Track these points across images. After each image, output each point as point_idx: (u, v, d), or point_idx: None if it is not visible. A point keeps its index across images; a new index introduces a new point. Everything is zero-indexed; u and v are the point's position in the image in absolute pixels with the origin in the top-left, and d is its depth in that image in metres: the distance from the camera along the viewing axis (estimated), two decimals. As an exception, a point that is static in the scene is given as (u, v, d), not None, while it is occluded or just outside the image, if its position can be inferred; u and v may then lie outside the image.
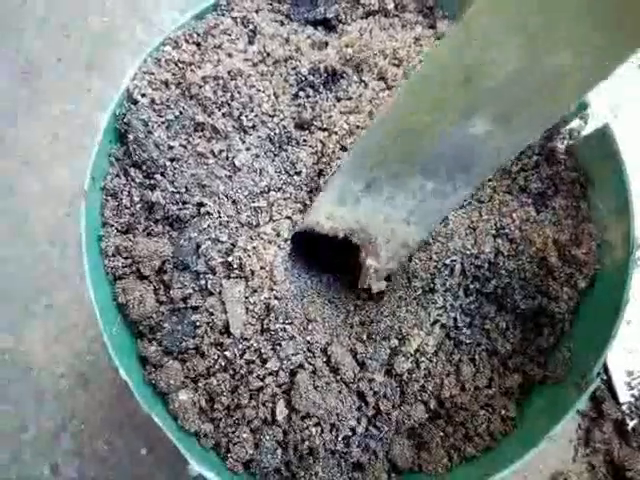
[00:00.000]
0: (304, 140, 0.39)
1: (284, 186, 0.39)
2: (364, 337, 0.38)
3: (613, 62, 0.24)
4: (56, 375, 0.61)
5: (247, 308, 0.36)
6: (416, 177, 0.33)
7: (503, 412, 0.38)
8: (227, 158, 0.38)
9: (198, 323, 0.36)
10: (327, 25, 0.41)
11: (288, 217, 0.39)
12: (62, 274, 0.63)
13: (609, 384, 0.57)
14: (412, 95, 0.29)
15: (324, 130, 0.39)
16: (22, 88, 0.69)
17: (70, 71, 0.70)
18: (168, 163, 0.37)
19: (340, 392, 0.37)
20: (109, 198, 0.38)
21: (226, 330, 0.36)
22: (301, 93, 0.39)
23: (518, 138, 0.30)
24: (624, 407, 0.56)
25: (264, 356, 0.36)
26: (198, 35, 0.38)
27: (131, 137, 0.37)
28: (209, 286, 0.36)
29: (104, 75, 0.70)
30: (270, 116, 0.38)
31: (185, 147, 0.38)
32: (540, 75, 0.25)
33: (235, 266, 0.36)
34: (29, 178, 0.66)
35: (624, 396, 0.56)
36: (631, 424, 0.56)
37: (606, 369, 0.57)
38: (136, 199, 0.38)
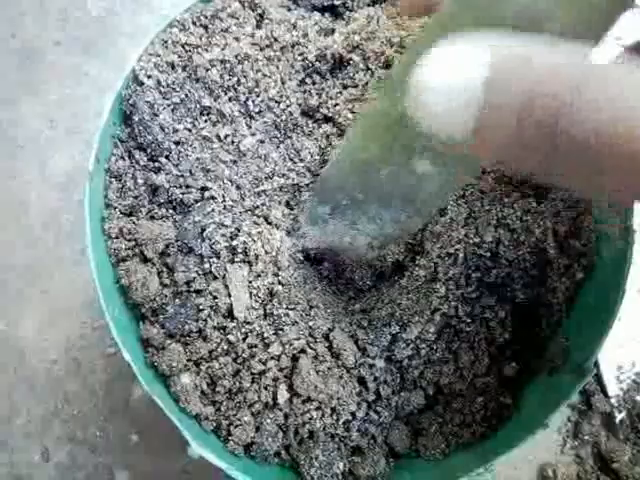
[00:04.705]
0: (310, 131, 0.39)
1: (288, 172, 0.39)
2: (365, 324, 0.39)
3: None
4: (49, 360, 0.60)
5: (251, 292, 0.36)
6: (374, 205, 0.36)
7: (500, 399, 0.39)
8: (232, 143, 0.38)
9: (201, 306, 0.36)
10: (334, 12, 0.41)
11: (292, 204, 0.40)
12: (56, 259, 0.63)
13: (599, 378, 0.58)
14: (362, 133, 0.32)
15: (329, 119, 0.39)
16: (19, 72, 0.68)
17: (68, 55, 0.69)
18: (173, 146, 0.37)
19: (341, 377, 0.37)
20: (113, 180, 0.38)
21: (229, 314, 0.36)
22: (307, 79, 0.39)
23: (453, 182, 0.33)
24: (613, 400, 0.57)
25: (266, 340, 0.36)
26: (205, 18, 0.38)
27: (136, 119, 0.36)
28: (213, 270, 0.36)
29: (102, 59, 0.69)
30: (276, 102, 0.38)
31: (190, 131, 0.37)
32: None
33: (239, 250, 0.36)
34: (25, 162, 0.65)
35: (613, 390, 0.57)
36: (619, 417, 0.57)
37: (596, 363, 0.58)
38: (140, 181, 0.37)
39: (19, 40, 0.69)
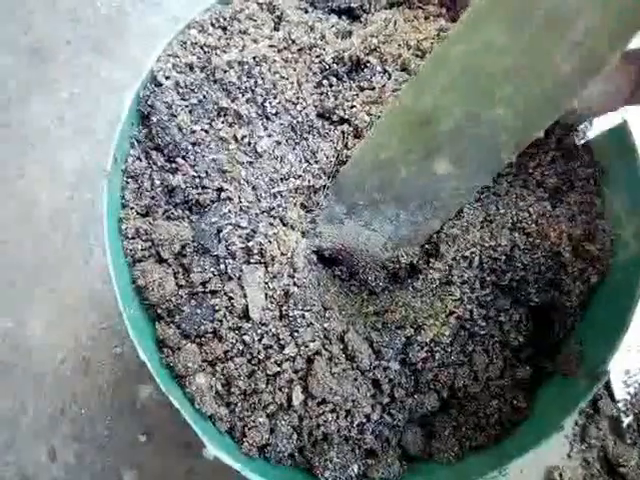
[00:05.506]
0: (326, 133, 0.39)
1: (304, 174, 0.39)
2: (379, 326, 0.39)
3: (540, 120, 0.26)
4: (57, 359, 0.60)
5: (266, 294, 0.36)
6: (391, 206, 0.37)
7: (514, 403, 0.39)
8: (249, 144, 0.38)
9: (217, 307, 0.36)
10: (351, 14, 0.42)
11: (307, 205, 0.40)
12: (65, 259, 0.63)
13: (606, 382, 0.58)
14: (384, 131, 0.32)
15: (345, 121, 0.39)
16: (30, 71, 0.68)
17: (79, 54, 0.69)
18: (190, 147, 0.37)
19: (356, 379, 0.37)
20: (130, 180, 0.38)
21: (245, 315, 0.36)
22: (324, 82, 0.39)
23: (472, 181, 0.33)
24: (620, 404, 0.57)
25: (282, 342, 0.36)
26: (224, 19, 0.38)
27: (154, 119, 0.37)
28: (229, 271, 0.36)
29: (113, 59, 0.69)
30: (293, 104, 0.38)
31: (207, 132, 0.37)
32: (480, 126, 0.28)
33: (255, 251, 0.36)
34: (35, 161, 0.65)
35: (620, 394, 0.57)
36: (626, 421, 0.57)
37: (605, 367, 0.58)
38: (157, 182, 0.37)
39: (31, 39, 0.69)
